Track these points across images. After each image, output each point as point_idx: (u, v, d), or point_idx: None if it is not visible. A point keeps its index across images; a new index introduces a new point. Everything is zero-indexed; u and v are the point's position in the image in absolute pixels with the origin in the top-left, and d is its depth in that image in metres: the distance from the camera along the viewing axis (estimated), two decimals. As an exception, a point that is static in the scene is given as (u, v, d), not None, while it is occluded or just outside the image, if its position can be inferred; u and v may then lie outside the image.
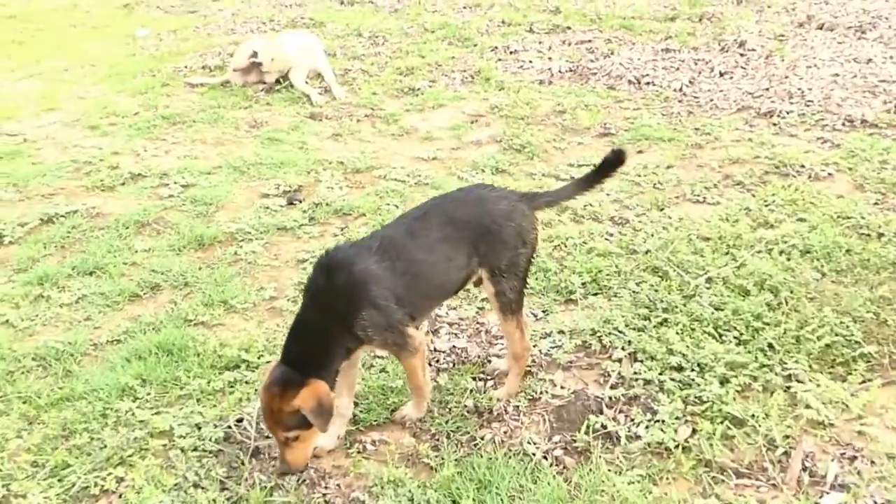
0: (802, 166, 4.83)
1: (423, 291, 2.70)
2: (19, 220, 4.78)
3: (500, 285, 2.76)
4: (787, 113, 5.80)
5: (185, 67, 8.06)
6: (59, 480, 2.68)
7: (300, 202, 4.92)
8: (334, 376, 2.61)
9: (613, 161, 2.89)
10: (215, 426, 2.85)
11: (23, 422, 2.99)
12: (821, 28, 8.04)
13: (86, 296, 3.92)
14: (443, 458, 2.66)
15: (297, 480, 2.61)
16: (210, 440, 2.80)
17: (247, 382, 3.12)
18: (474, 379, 3.13)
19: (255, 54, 7.02)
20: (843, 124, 5.52)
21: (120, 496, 2.60)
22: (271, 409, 2.47)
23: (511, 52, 7.90)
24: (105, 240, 4.51)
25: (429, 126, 6.16)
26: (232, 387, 3.10)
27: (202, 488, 2.59)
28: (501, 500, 2.43)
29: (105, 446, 2.79)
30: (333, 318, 2.54)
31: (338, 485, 2.60)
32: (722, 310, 3.34)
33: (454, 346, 3.33)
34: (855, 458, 2.53)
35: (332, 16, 10.06)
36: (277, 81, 7.20)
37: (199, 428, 2.87)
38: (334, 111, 6.62)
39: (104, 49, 9.39)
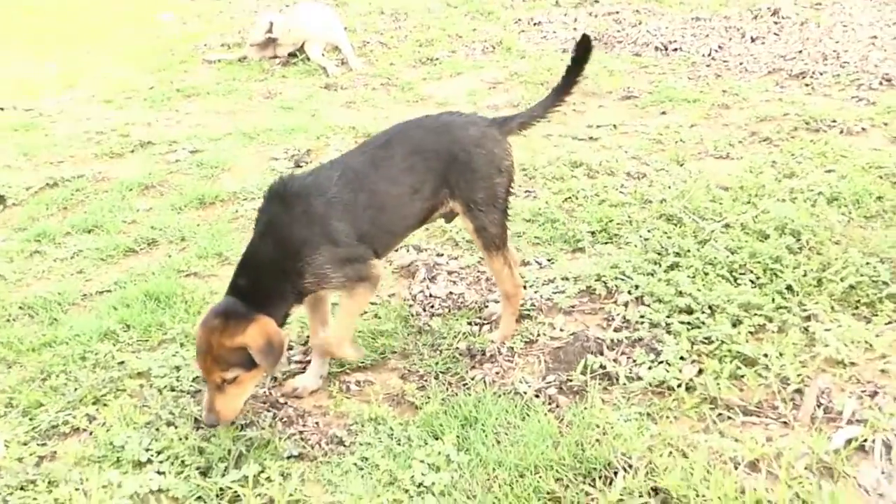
0: (834, 121, 4.54)
1: (386, 226, 2.49)
2: (25, 185, 4.73)
3: (478, 220, 2.56)
4: (821, 74, 5.50)
5: (205, 45, 8.03)
6: (31, 419, 2.57)
7: (307, 164, 4.80)
8: (284, 317, 2.39)
9: (581, 53, 2.67)
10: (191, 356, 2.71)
11: (2, 366, 2.90)
12: (861, -6, 7.67)
13: (81, 251, 3.84)
14: (428, 398, 2.49)
15: (273, 417, 2.45)
16: (187, 380, 2.67)
17: (232, 326, 2.98)
18: (470, 323, 2.95)
19: (270, 28, 6.93)
20: (881, 83, 5.20)
21: (90, 434, 2.48)
22: (210, 344, 2.22)
23: (535, 24, 7.70)
24: (107, 200, 4.44)
25: (445, 93, 6.00)
26: (215, 331, 2.96)
27: (174, 426, 2.46)
28: (486, 435, 2.24)
29: (79, 386, 2.68)
30: (287, 253, 2.33)
31: (316, 423, 2.45)
32: (738, 253, 3.10)
33: (451, 293, 3.15)
34: (876, 393, 2.28)
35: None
36: (293, 55, 7.10)
37: (178, 370, 2.74)
38: (349, 81, 6.50)
39: (128, 34, 9.43)
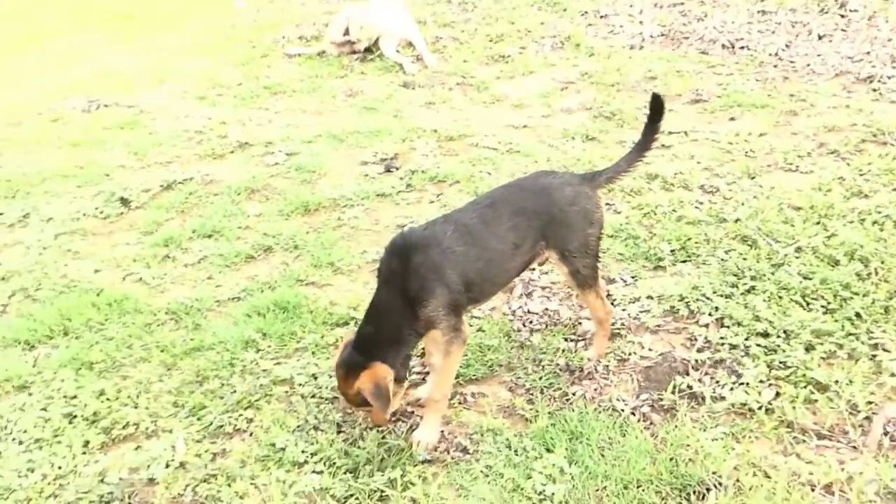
0: (902, 134, 4.76)
1: (492, 277, 2.87)
2: (143, 187, 5.21)
3: (572, 265, 2.92)
4: (889, 78, 5.66)
5: (283, 38, 8.40)
6: (199, 419, 3.05)
7: (396, 169, 5.18)
8: (403, 360, 2.79)
9: (655, 113, 2.99)
10: (329, 376, 3.15)
11: (162, 368, 3.38)
12: (931, -15, 7.67)
13: (206, 256, 4.30)
14: (537, 411, 2.89)
15: (408, 427, 2.89)
16: (326, 388, 3.11)
17: (356, 338, 3.42)
18: (566, 339, 3.33)
19: (347, 31, 7.29)
20: (951, 89, 5.37)
21: (251, 434, 2.95)
22: (340, 388, 2.78)
23: (601, 17, 7.89)
24: (220, 205, 4.89)
25: (519, 93, 6.30)
26: (343, 341, 3.39)
27: (321, 430, 2.91)
28: (592, 450, 2.64)
29: (235, 391, 3.14)
30: (406, 299, 2.70)
31: (442, 431, 2.87)
32: (810, 279, 3.41)
33: (546, 308, 3.53)
34: (938, 424, 2.61)
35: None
36: (369, 50, 7.45)
37: (316, 378, 3.19)
38: (426, 79, 6.83)
39: (206, 21, 9.86)
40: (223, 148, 5.78)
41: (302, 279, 3.97)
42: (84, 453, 2.92)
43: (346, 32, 7.30)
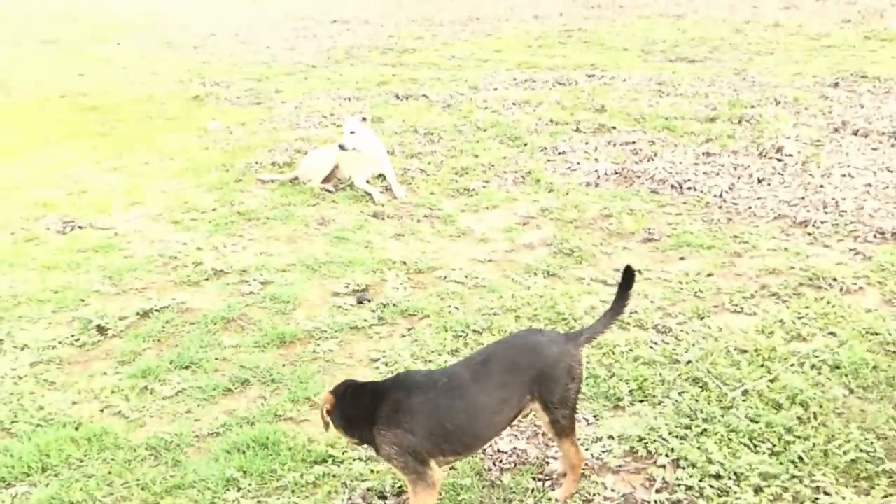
0: (835, 279, 5.20)
1: (477, 430, 3.13)
2: (119, 314, 5.36)
3: (553, 415, 3.19)
4: (822, 223, 6.20)
5: (256, 163, 8.77)
6: (179, 562, 3.13)
7: (369, 301, 5.43)
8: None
9: (627, 281, 3.36)
10: (311, 517, 3.28)
11: (143, 508, 3.47)
12: (855, 134, 8.47)
13: (184, 389, 4.43)
14: (509, 555, 3.05)
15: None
16: (307, 530, 3.23)
17: (334, 476, 3.57)
18: (534, 479, 3.53)
19: (335, 169, 7.74)
20: (875, 236, 5.90)
21: (232, 578, 3.03)
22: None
23: (559, 153, 8.46)
24: (196, 335, 5.05)
25: (483, 227, 6.69)
26: (322, 480, 3.54)
27: (302, 574, 3.01)
28: None
29: (217, 533, 3.24)
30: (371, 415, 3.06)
31: (418, 575, 3.00)
32: (757, 422, 3.71)
33: (515, 448, 3.74)
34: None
35: (389, 111, 10.81)
36: (340, 180, 7.86)
37: (296, 518, 3.31)
38: (395, 210, 7.20)
39: (179, 141, 10.21)
40: (198, 275, 5.98)
41: (280, 414, 4.12)
42: None
43: (334, 171, 7.73)
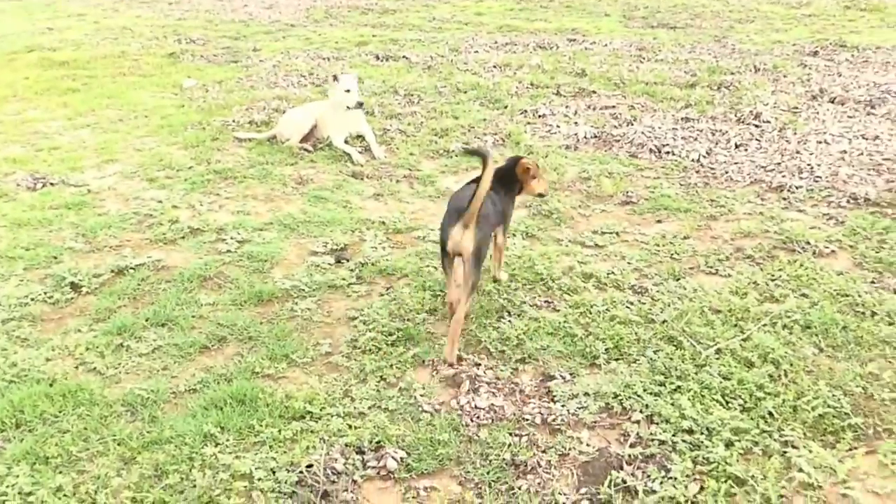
0: (808, 243, 5.28)
1: None
2: (93, 272, 5.29)
3: None
4: (797, 188, 6.26)
5: (233, 122, 8.66)
6: (157, 515, 3.14)
7: (347, 261, 5.41)
8: None
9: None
10: (288, 471, 3.30)
11: (120, 462, 3.45)
12: (833, 101, 8.55)
13: (161, 346, 4.41)
14: (485, 506, 3.10)
15: (362, 522, 3.05)
16: (286, 483, 3.25)
17: (312, 432, 3.58)
18: (510, 434, 3.57)
19: (313, 128, 7.65)
20: (848, 201, 5.97)
21: (211, 530, 3.05)
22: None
23: (539, 116, 8.45)
24: (172, 293, 5.01)
25: (463, 189, 6.66)
26: (300, 436, 3.55)
27: (280, 525, 3.04)
28: (537, 544, 2.86)
29: (195, 486, 3.25)
30: None
31: (395, 526, 3.04)
32: (729, 379, 3.77)
33: (492, 404, 3.77)
34: (838, 518, 2.94)
35: (369, 72, 10.69)
36: (319, 139, 7.78)
37: (275, 472, 3.32)
38: (375, 170, 7.16)
39: (154, 98, 10.05)
40: (174, 233, 5.91)
41: (257, 371, 4.11)
42: (42, 549, 2.97)
43: (313, 130, 7.65)
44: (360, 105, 7.49)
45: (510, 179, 4.62)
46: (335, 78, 7.71)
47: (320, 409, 3.75)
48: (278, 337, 4.44)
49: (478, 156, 4.05)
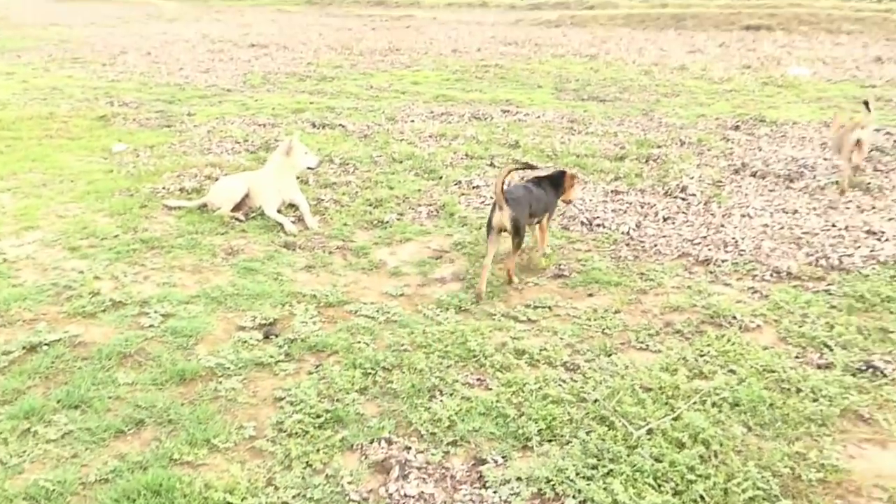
0: (734, 317, 5.37)
1: None
2: (3, 349, 5.00)
3: None
4: (722, 261, 6.42)
5: (164, 189, 8.47)
6: None
7: (276, 336, 5.26)
8: None
9: None
10: (203, 571, 3.10)
11: (17, 564, 3.19)
12: (754, 175, 8.88)
13: (72, 431, 4.15)
14: None
15: None
16: (198, 585, 3.05)
17: (231, 526, 3.39)
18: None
19: (245, 197, 7.56)
20: (771, 275, 6.14)
21: None
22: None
23: (474, 187, 8.52)
24: (88, 371, 4.76)
25: (396, 261, 6.62)
26: (217, 531, 3.36)
27: None
28: None
29: (99, 591, 3.01)
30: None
31: None
32: (661, 461, 3.75)
33: (422, 492, 3.65)
34: None
35: (305, 139, 10.63)
36: (251, 209, 7.66)
37: (188, 572, 3.12)
38: (307, 241, 7.06)
39: (81, 163, 9.78)
40: (94, 306, 5.67)
41: (176, 458, 3.90)
42: None
43: (245, 199, 7.55)
44: (319, 164, 7.73)
45: (558, 183, 6.48)
46: (290, 143, 7.71)
47: (241, 500, 3.56)
48: (200, 420, 4.24)
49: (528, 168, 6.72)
